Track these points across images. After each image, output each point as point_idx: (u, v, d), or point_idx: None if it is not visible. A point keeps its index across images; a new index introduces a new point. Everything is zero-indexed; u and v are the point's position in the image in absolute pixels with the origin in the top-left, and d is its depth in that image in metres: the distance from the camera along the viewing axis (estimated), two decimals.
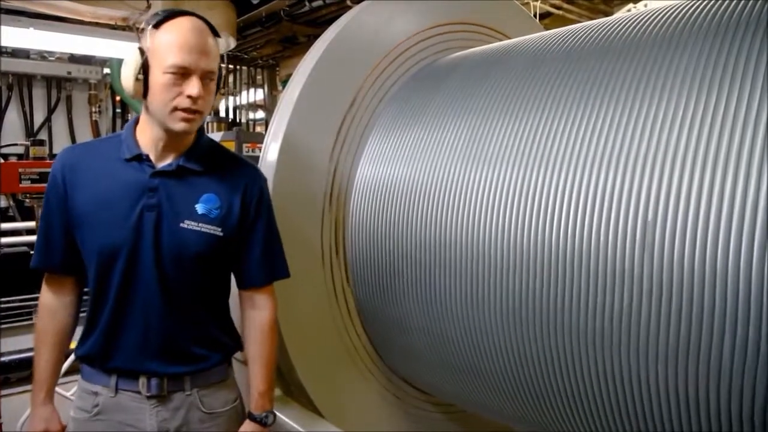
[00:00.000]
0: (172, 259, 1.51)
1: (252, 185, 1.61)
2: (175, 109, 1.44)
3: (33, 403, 1.58)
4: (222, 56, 1.57)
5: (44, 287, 1.60)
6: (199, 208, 1.53)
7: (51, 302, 1.60)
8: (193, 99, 1.43)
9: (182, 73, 1.43)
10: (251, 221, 1.60)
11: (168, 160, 1.54)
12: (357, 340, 2.22)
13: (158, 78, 1.44)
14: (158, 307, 1.51)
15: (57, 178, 1.54)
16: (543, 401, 1.59)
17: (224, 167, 1.61)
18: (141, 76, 1.46)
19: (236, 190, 1.58)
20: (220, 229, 1.54)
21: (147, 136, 1.53)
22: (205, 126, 6.80)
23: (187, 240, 1.51)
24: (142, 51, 1.47)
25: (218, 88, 1.56)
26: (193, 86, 1.43)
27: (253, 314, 1.64)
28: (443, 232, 1.76)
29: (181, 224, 1.51)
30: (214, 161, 1.60)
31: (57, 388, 1.64)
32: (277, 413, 1.95)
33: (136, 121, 1.58)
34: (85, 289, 1.62)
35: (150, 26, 1.48)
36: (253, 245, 1.61)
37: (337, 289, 2.17)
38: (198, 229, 1.52)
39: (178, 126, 1.46)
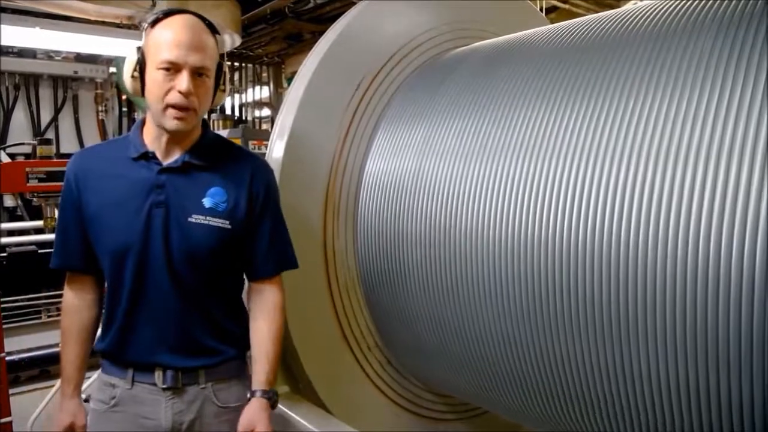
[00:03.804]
0: (181, 254, 1.53)
1: (258, 178, 1.62)
2: (167, 106, 1.46)
3: (61, 397, 1.63)
4: (223, 54, 1.58)
5: (66, 287, 1.66)
6: (206, 202, 1.55)
7: (73, 301, 1.65)
8: (183, 94, 1.44)
9: (173, 69, 1.45)
10: (259, 213, 1.61)
11: (174, 157, 1.56)
12: (369, 335, 2.22)
13: (152, 74, 1.47)
14: (171, 302, 1.54)
15: (71, 183, 1.58)
16: (549, 396, 1.59)
17: (230, 161, 1.62)
18: (137, 74, 1.50)
19: (243, 184, 1.59)
20: (228, 222, 1.55)
21: (152, 134, 1.56)
22: (211, 123, 6.82)
23: (196, 234, 1.53)
24: (139, 49, 1.51)
25: (217, 85, 1.57)
26: (182, 81, 1.44)
27: (260, 297, 1.66)
28: (452, 226, 1.75)
29: (189, 219, 1.53)
30: (220, 155, 1.61)
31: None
32: (288, 411, 1.96)
33: (143, 122, 1.60)
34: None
35: (147, 25, 1.52)
36: (261, 237, 1.63)
37: (349, 284, 2.17)
38: (206, 223, 1.53)
39: (171, 125, 1.48)
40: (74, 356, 1.63)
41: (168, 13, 1.52)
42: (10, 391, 2.42)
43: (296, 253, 1.72)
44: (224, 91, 1.63)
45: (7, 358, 2.92)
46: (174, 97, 1.45)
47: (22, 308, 4.10)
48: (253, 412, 1.56)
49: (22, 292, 4.11)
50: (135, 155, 1.55)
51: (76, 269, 1.63)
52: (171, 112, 1.46)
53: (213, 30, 1.54)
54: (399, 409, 2.32)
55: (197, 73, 1.47)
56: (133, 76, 1.51)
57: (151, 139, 1.56)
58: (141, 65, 1.49)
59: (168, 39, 1.45)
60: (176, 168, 1.54)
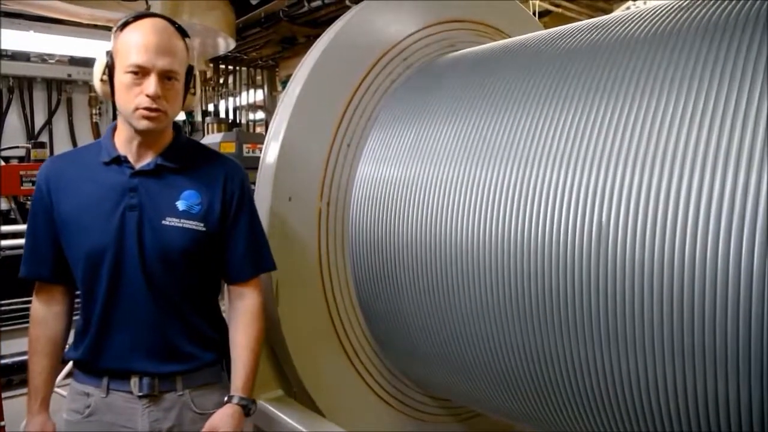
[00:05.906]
0: (156, 257, 1.51)
1: (232, 180, 1.61)
2: (137, 108, 1.45)
3: (28, 412, 1.59)
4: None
5: (35, 297, 1.62)
6: (180, 204, 1.53)
7: (42, 312, 1.60)
8: (151, 98, 1.43)
9: (141, 72, 1.43)
10: (233, 216, 1.60)
11: (146, 160, 1.55)
12: (363, 338, 2.22)
13: (120, 78, 1.46)
14: (146, 306, 1.52)
15: (42, 190, 1.55)
16: (537, 396, 1.59)
17: (203, 164, 1.61)
18: (106, 78, 1.50)
19: (216, 186, 1.58)
20: (202, 225, 1.54)
21: (123, 138, 1.55)
22: (206, 127, 6.78)
23: (170, 237, 1.51)
24: (108, 53, 1.49)
25: (187, 89, 1.56)
26: (150, 85, 1.43)
27: (240, 303, 1.64)
28: (444, 231, 1.76)
29: (163, 222, 1.51)
30: (192, 158, 1.60)
31: (57, 389, 1.64)
32: (279, 413, 1.96)
33: (115, 127, 1.59)
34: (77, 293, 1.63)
35: (116, 28, 1.50)
36: (236, 240, 1.61)
37: (343, 288, 2.17)
38: (180, 225, 1.52)
39: (141, 124, 1.46)
40: (41, 369, 1.58)
41: (137, 17, 1.50)
42: (3, 395, 2.41)
43: (290, 257, 1.71)
44: (194, 94, 1.61)
45: (1, 362, 2.91)
46: (142, 101, 1.43)
47: (16, 312, 4.08)
48: (221, 417, 1.52)
49: (16, 296, 4.09)
50: (107, 159, 1.54)
51: (45, 278, 1.59)
52: (140, 112, 1.45)
53: (183, 33, 1.53)
54: (395, 411, 2.32)
55: (166, 76, 1.45)
56: (102, 80, 1.50)
57: (123, 142, 1.54)
58: (110, 69, 1.48)
59: (136, 42, 1.44)
60: (149, 171, 1.53)
